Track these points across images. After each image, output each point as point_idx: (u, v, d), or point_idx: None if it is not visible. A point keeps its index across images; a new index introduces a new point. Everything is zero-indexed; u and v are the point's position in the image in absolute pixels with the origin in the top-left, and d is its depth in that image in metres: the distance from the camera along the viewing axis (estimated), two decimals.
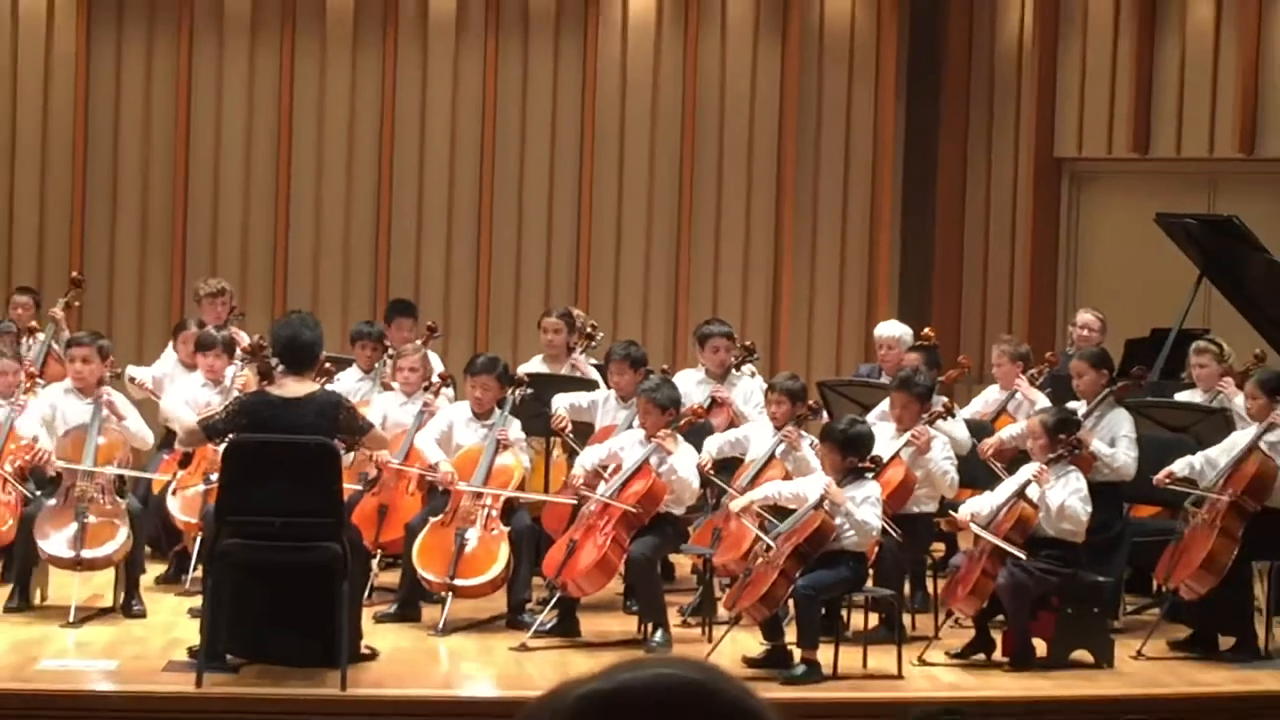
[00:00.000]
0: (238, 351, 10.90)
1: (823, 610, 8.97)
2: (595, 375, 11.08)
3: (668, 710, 1.30)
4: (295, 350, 8.84)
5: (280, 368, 8.93)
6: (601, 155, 14.19)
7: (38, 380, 10.77)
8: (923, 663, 9.26)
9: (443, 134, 14.12)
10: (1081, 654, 9.28)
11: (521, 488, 10.11)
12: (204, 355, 10.94)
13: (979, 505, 9.46)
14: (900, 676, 8.97)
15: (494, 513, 9.81)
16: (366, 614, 9.34)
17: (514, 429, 10.24)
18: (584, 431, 10.50)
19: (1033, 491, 9.26)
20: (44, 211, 13.91)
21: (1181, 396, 10.96)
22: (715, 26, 14.24)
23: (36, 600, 9.92)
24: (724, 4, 14.24)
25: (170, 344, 11.78)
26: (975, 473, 10.23)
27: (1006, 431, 10.63)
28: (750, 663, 8.96)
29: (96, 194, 13.94)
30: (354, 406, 9.17)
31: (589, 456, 9.82)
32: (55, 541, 9.73)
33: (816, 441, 9.47)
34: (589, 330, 11.81)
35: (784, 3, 14.22)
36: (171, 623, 9.60)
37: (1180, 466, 9.74)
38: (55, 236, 13.87)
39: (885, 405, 10.20)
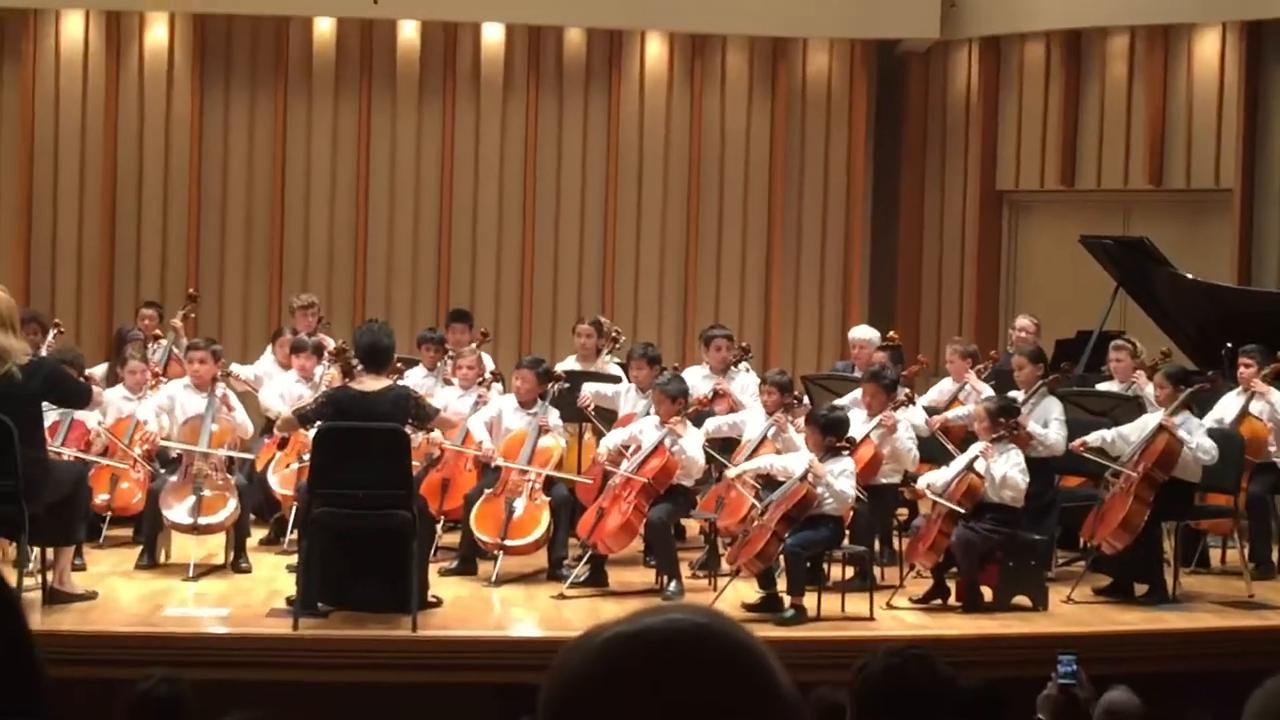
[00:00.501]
0: (325, 354, 10.93)
1: (807, 564, 8.93)
2: (619, 372, 11.06)
3: (680, 647, 1.30)
4: (374, 353, 8.86)
5: (360, 367, 8.92)
6: (623, 190, 14.19)
7: (161, 378, 10.81)
8: (890, 607, 9.23)
9: (492, 173, 14.11)
10: (1021, 599, 9.22)
11: (559, 465, 10.07)
12: (297, 357, 10.94)
13: (935, 477, 9.45)
14: (872, 619, 8.95)
15: (537, 486, 9.77)
16: (432, 569, 9.30)
17: (553, 416, 10.24)
18: (609, 417, 10.46)
19: (980, 465, 9.22)
20: (166, 240, 13.91)
21: (1102, 387, 10.93)
22: (716, 83, 14.25)
23: (162, 559, 9.90)
24: (723, 64, 14.24)
25: (269, 348, 11.77)
26: (932, 450, 10.19)
27: (953, 412, 10.67)
28: (748, 608, 8.95)
29: (209, 225, 13.97)
30: (421, 397, 9.14)
31: (613, 438, 9.80)
32: (177, 511, 9.72)
33: (801, 424, 9.50)
34: (614, 335, 11.76)
35: (773, 63, 14.23)
36: (272, 577, 9.60)
37: (1094, 438, 9.75)
38: (175, 260, 13.89)
39: (858, 394, 10.14)
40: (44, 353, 9.83)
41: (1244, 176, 13.05)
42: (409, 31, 13.98)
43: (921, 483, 9.55)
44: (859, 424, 9.68)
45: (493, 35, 14.05)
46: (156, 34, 13.91)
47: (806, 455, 9.04)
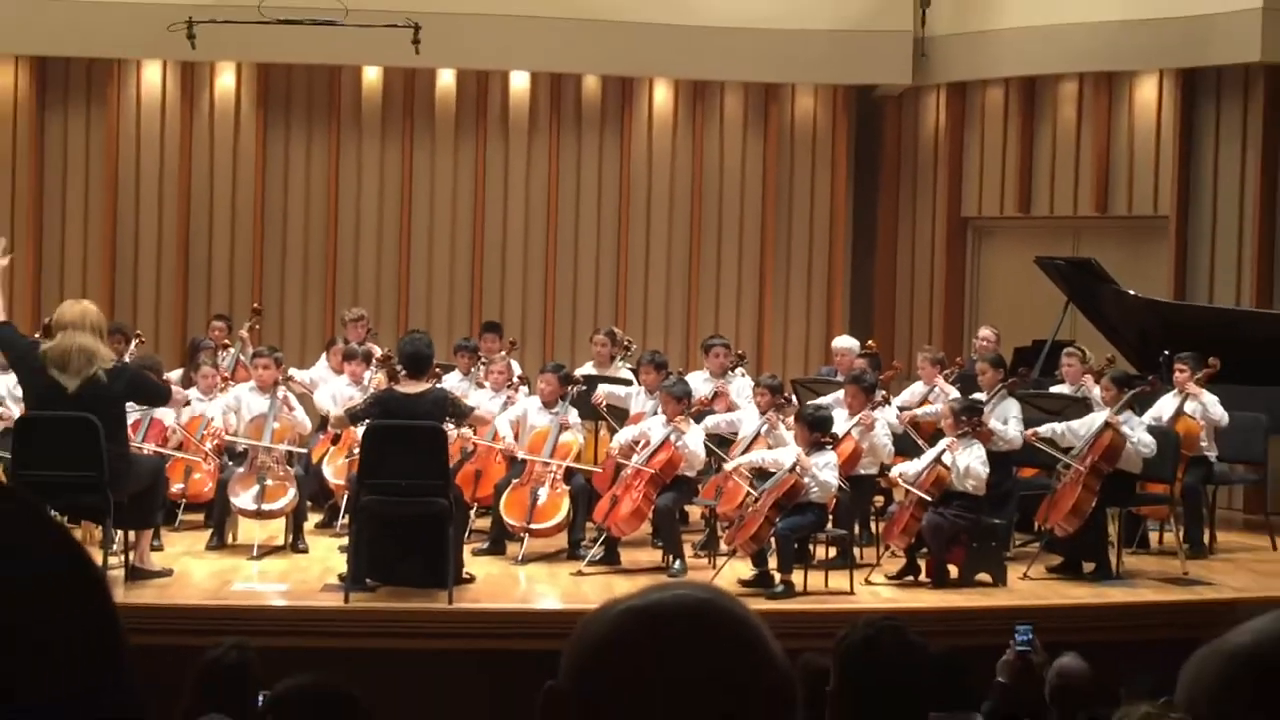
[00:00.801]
0: (372, 360, 10.94)
1: (795, 545, 8.95)
2: (630, 376, 11.06)
3: (686, 619, 1.30)
4: (416, 360, 8.86)
5: (403, 372, 8.95)
6: (634, 217, 14.19)
7: (229, 382, 10.84)
8: (868, 583, 9.26)
9: (519, 202, 14.11)
10: (983, 576, 9.24)
11: (578, 458, 10.09)
12: (348, 363, 10.96)
13: (907, 468, 9.46)
14: (852, 593, 8.98)
15: (558, 476, 9.80)
16: (466, 549, 9.34)
17: (572, 415, 10.26)
18: (621, 415, 10.45)
19: (947, 458, 9.25)
20: (233, 261, 13.93)
21: (1055, 389, 10.92)
22: (715, 124, 14.25)
23: (229, 541, 9.94)
24: (721, 107, 14.24)
25: (324, 355, 11.77)
26: (905, 445, 10.22)
27: (922, 410, 10.68)
28: (744, 583, 8.98)
29: (271, 248, 13.98)
30: (458, 398, 9.16)
31: (625, 435, 9.81)
32: (243, 498, 9.76)
33: (791, 422, 9.49)
34: (625, 343, 11.76)
35: (765, 106, 14.22)
36: (326, 557, 9.62)
37: (1044, 429, 9.80)
38: (241, 278, 13.90)
39: (840, 395, 10.13)
40: (127, 360, 9.83)
41: (1179, 205, 13.04)
42: (446, 79, 14.00)
43: (895, 473, 9.56)
44: (841, 422, 9.68)
45: (519, 82, 14.06)
46: (225, 82, 13.94)
47: (795, 449, 9.06)
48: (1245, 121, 12.80)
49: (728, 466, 9.41)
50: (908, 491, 9.30)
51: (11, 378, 9.49)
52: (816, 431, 9.04)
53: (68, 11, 12.99)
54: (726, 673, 1.29)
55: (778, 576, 8.94)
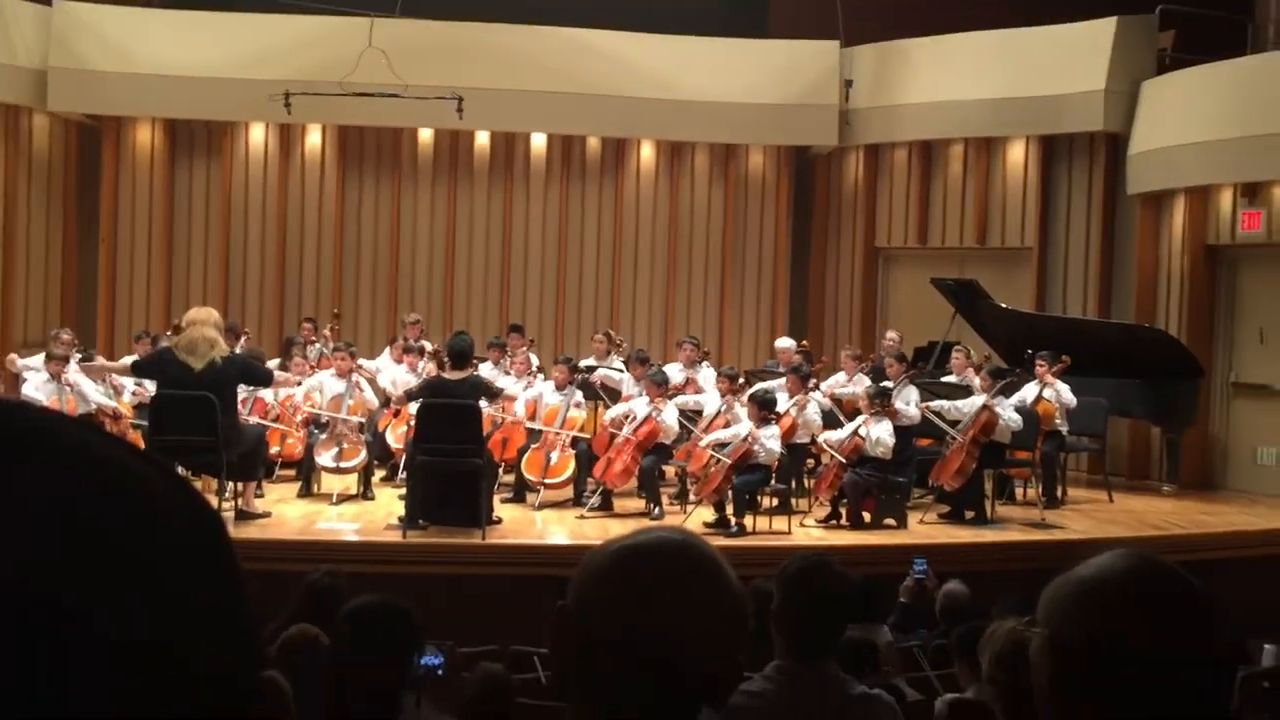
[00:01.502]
0: (425, 353, 10.94)
1: (747, 496, 9.01)
2: (621, 367, 11.03)
3: (666, 554, 1.29)
4: (459, 354, 8.89)
5: (449, 362, 8.97)
6: (625, 246, 14.17)
7: (315, 369, 10.83)
8: (803, 526, 9.30)
9: (537, 234, 14.07)
10: (890, 521, 9.30)
11: (582, 429, 10.10)
12: (407, 355, 10.96)
13: (832, 436, 9.53)
14: (790, 533, 9.03)
15: (566, 442, 9.84)
16: (495, 498, 9.34)
17: (578, 396, 10.25)
18: (614, 395, 10.46)
19: (863, 431, 9.33)
20: (319, 276, 13.89)
21: (945, 379, 10.97)
22: (688, 176, 14.22)
23: (314, 490, 9.96)
24: (693, 163, 14.21)
25: (387, 349, 11.76)
26: (830, 420, 10.25)
27: (841, 390, 10.71)
28: (708, 525, 8.99)
29: (348, 267, 13.93)
30: (490, 383, 9.20)
31: (616, 410, 9.85)
32: (325, 457, 9.78)
33: (744, 401, 9.51)
34: (618, 342, 11.78)
35: (726, 162, 14.21)
36: (389, 503, 9.61)
37: (935, 404, 9.89)
38: (325, 290, 13.84)
39: (782, 382, 10.18)
40: (238, 350, 9.83)
41: (1040, 238, 13.07)
42: (482, 139, 13.98)
43: (821, 440, 9.58)
44: (782, 402, 9.70)
45: (538, 142, 14.04)
46: (313, 140, 13.90)
47: (748, 424, 9.06)
48: (1090, 175, 12.85)
49: (701, 444, 9.36)
50: (832, 455, 9.32)
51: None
52: (764, 410, 9.06)
53: (193, 84, 12.96)
54: (696, 595, 1.29)
55: (733, 520, 8.96)
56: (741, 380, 10.50)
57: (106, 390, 9.99)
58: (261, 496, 9.42)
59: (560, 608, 1.31)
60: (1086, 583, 1.36)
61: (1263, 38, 12.27)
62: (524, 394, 10.27)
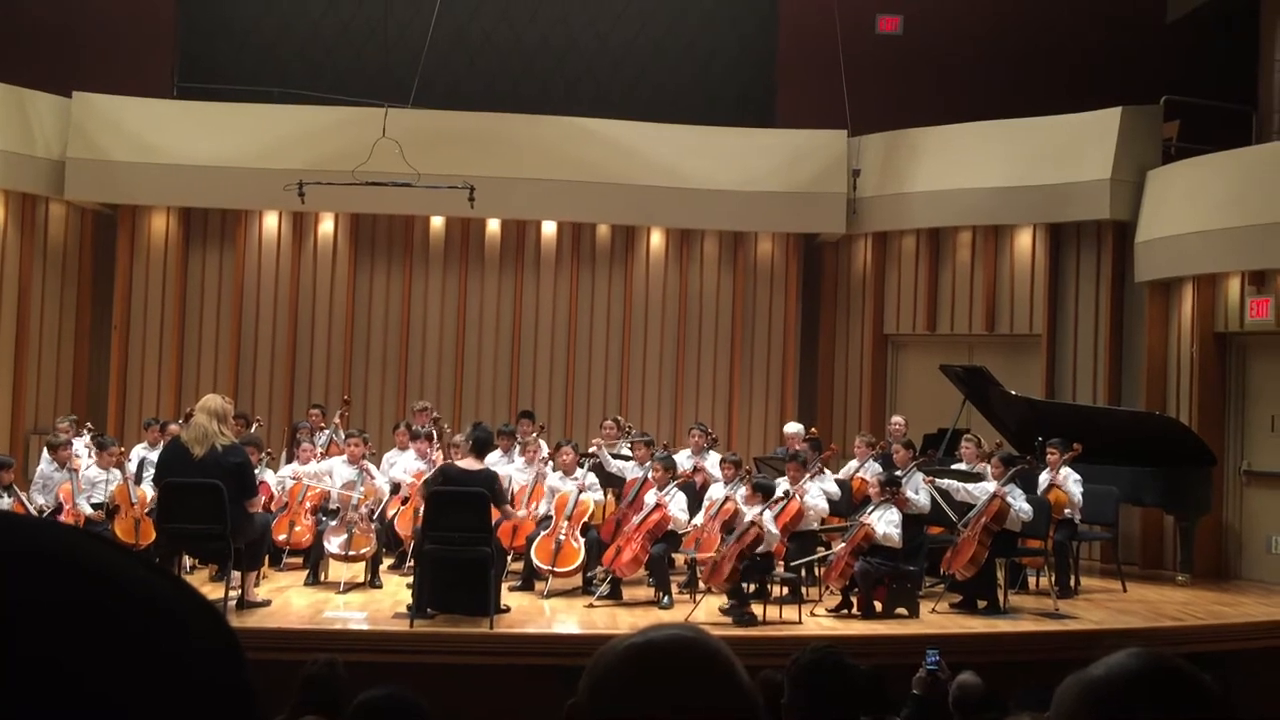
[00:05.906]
0: (434, 439, 10.91)
1: (754, 587, 8.94)
2: (628, 453, 11.01)
3: (678, 652, 1.29)
4: (481, 445, 8.85)
5: (471, 451, 8.85)
6: (634, 333, 14.23)
7: (325, 456, 10.80)
8: (813, 615, 9.20)
9: (547, 320, 14.15)
10: (901, 610, 9.20)
11: (591, 517, 10.04)
12: (414, 442, 10.96)
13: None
14: (800, 623, 8.93)
15: (576, 530, 9.78)
16: (504, 586, 9.31)
17: (588, 480, 10.23)
18: (619, 481, 10.42)
19: (871, 519, 9.27)
20: (329, 362, 13.94)
21: (956, 467, 10.93)
22: (697, 262, 14.32)
23: (322, 578, 9.92)
24: (702, 249, 14.33)
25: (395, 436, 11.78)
26: (841, 507, 10.20)
27: (845, 471, 10.68)
28: (722, 610, 8.92)
29: (357, 354, 13.99)
30: (501, 488, 8.98)
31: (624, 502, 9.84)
32: (334, 544, 9.71)
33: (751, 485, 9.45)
34: (627, 428, 11.72)
35: (734, 249, 14.30)
36: (397, 591, 9.58)
37: (942, 482, 9.88)
38: (334, 377, 13.90)
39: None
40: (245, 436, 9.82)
41: (1049, 326, 13.09)
42: (493, 226, 14.10)
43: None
44: (784, 488, 9.66)
45: (549, 229, 14.16)
46: (326, 228, 14.03)
47: (752, 511, 9.01)
48: (1098, 263, 12.89)
49: (701, 523, 9.27)
50: (843, 545, 9.25)
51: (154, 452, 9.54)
52: (761, 494, 9.04)
53: (207, 174, 13.13)
54: (706, 693, 1.28)
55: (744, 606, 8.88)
56: (748, 467, 10.45)
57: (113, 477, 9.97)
58: (258, 586, 9.38)
59: (570, 707, 1.30)
60: (1097, 682, 1.35)
61: (1267, 128, 12.40)
62: (545, 484, 10.20)
